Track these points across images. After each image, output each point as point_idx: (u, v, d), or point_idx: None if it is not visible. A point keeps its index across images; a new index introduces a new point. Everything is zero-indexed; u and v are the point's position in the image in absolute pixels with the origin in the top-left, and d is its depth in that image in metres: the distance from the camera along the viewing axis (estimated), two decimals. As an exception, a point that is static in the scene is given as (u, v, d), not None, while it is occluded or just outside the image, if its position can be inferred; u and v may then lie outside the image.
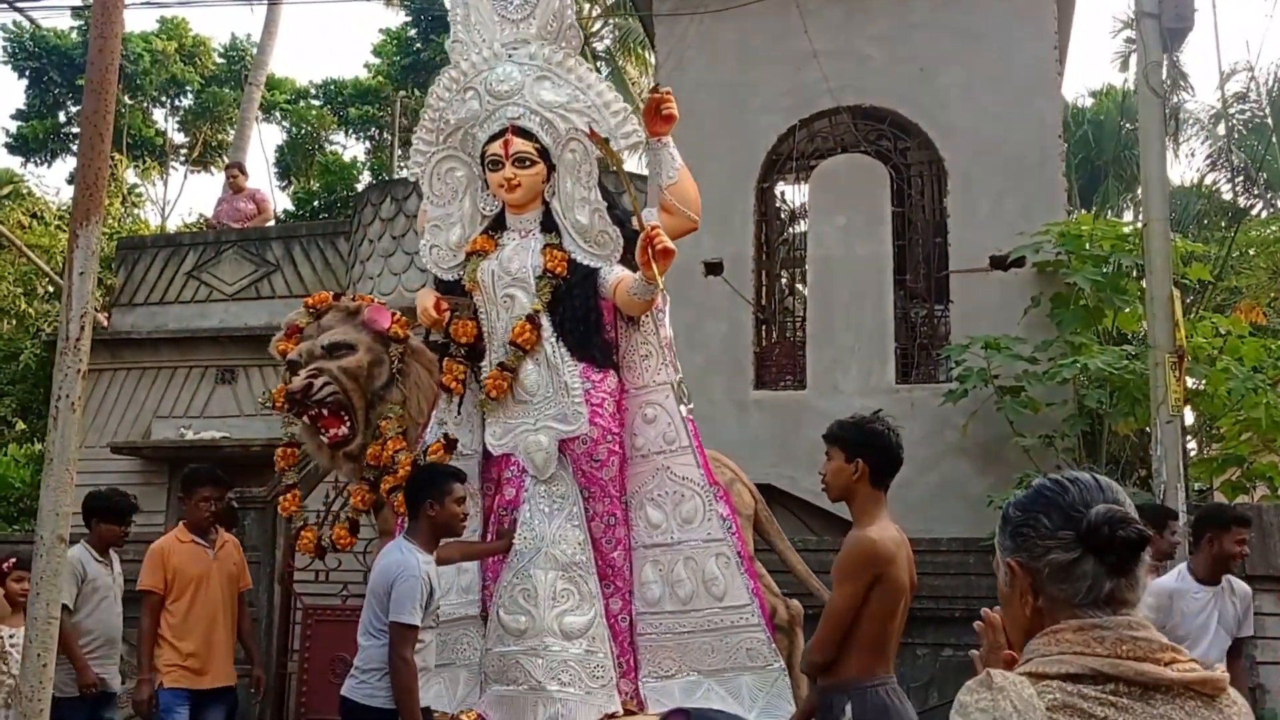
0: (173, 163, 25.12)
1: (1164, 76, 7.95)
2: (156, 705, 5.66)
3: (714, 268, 9.58)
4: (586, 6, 21.38)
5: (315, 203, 20.49)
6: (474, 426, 5.31)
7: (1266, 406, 7.32)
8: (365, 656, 4.42)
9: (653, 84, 5.65)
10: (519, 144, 5.20)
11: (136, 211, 22.99)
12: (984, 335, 8.26)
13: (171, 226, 22.06)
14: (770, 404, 9.41)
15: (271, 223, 13.82)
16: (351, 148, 24.17)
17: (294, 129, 23.77)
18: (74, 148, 22.46)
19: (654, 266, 4.62)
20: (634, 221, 4.94)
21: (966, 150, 9.27)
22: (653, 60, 12.67)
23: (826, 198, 9.63)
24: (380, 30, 24.19)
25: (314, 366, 5.26)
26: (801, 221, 11.09)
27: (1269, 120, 22.85)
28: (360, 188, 17.77)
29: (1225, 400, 7.72)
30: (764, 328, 10.29)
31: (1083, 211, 18.87)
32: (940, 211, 9.59)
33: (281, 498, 5.60)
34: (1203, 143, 25.40)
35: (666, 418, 5.18)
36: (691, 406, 5.03)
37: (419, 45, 21.80)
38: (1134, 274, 8.26)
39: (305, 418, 5.29)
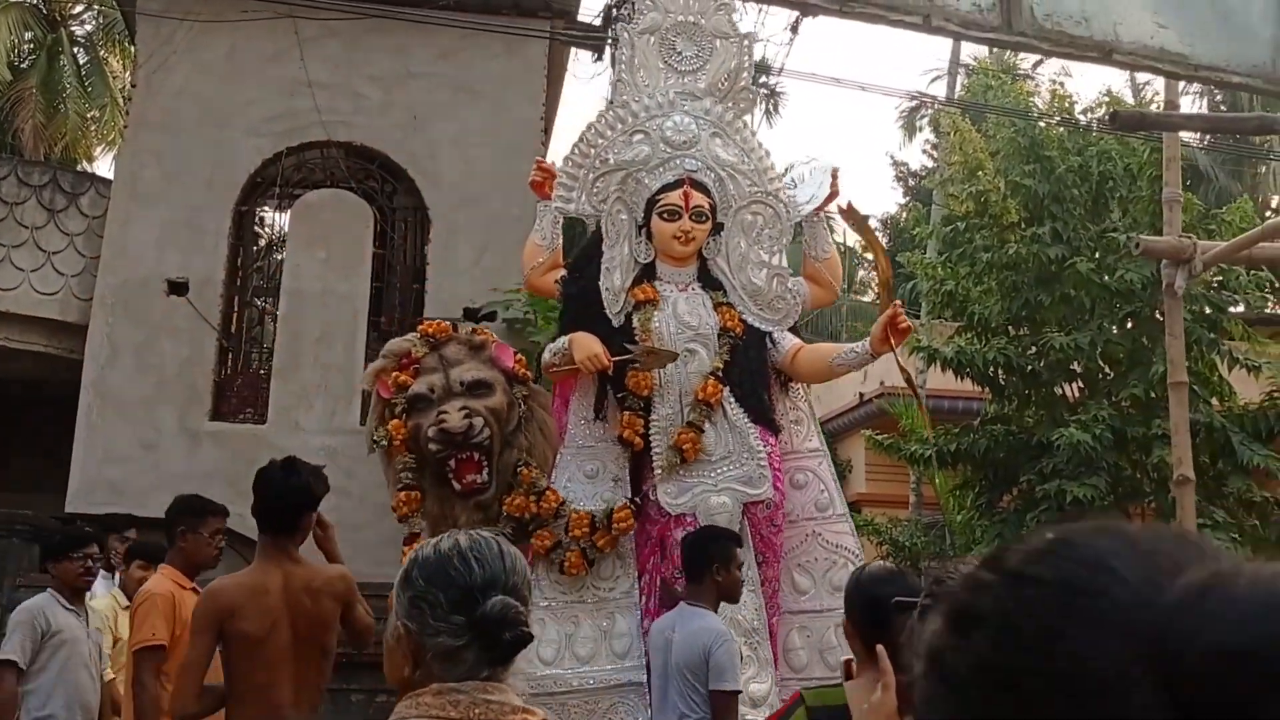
0: None
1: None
2: None
3: (178, 287, 9.01)
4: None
5: None
6: (619, 480, 5.03)
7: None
8: None
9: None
10: (698, 198, 5.07)
11: None
12: (450, 384, 8.45)
13: None
14: (226, 436, 8.94)
15: None
16: None
17: None
18: None
19: (891, 342, 4.68)
20: (882, 292, 4.86)
21: (451, 201, 9.50)
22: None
23: (307, 229, 9.42)
24: None
25: (465, 406, 4.73)
26: (280, 250, 10.77)
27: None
28: None
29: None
30: (228, 356, 9.80)
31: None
32: (421, 258, 9.72)
33: (405, 549, 4.77)
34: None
35: (819, 484, 5.18)
36: None
37: None
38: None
39: (452, 462, 4.76)
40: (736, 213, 5.19)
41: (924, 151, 28.20)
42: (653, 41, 5.34)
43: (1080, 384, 11.04)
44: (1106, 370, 10.93)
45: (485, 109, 9.68)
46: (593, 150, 5.27)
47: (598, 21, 8.98)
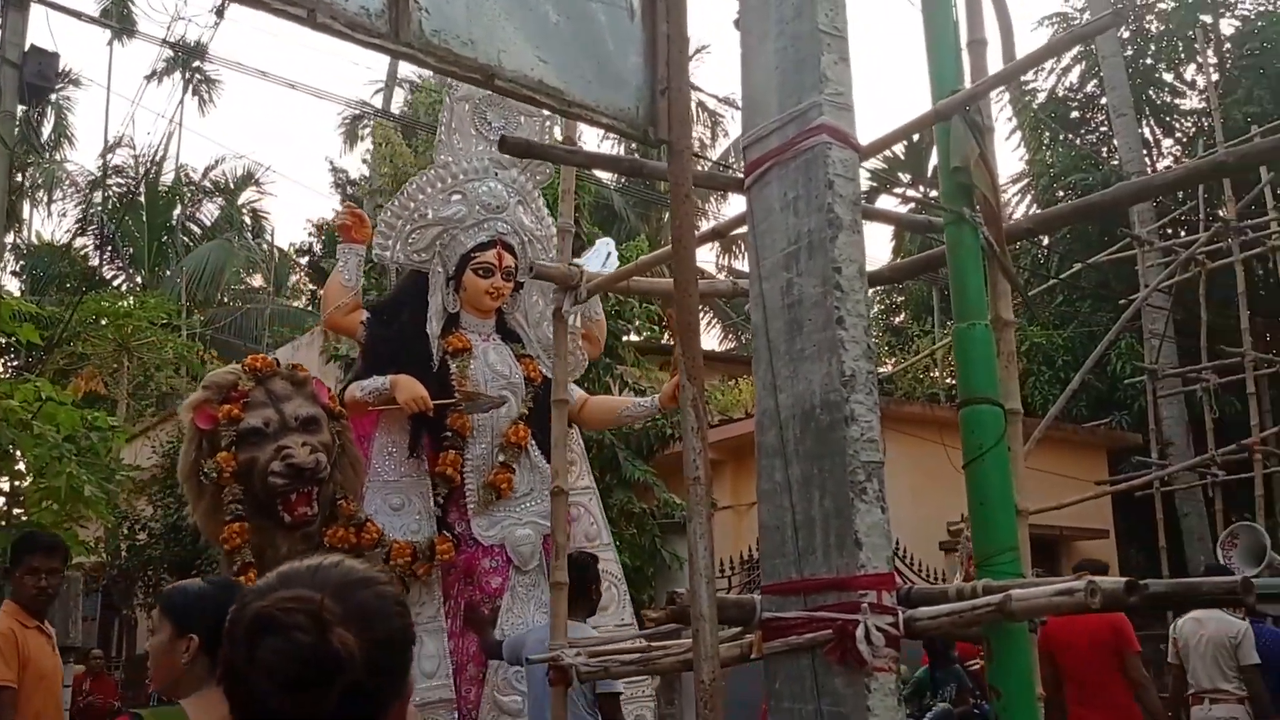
0: None
1: (16, 128, 7.71)
2: None
3: None
4: None
5: None
6: (423, 513, 5.42)
7: (68, 476, 7.35)
8: None
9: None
10: (508, 258, 5.62)
11: None
12: None
13: None
14: None
15: None
16: None
17: None
18: None
19: (678, 401, 4.64)
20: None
21: None
22: None
23: None
24: None
25: (306, 442, 4.97)
26: None
27: (141, 197, 23.90)
28: None
29: (31, 466, 7.58)
30: None
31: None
32: None
33: (237, 580, 4.65)
34: (76, 206, 25.53)
35: (589, 517, 5.81)
36: None
37: None
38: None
39: (293, 496, 4.91)
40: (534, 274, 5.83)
41: (364, 160, 28.22)
42: (467, 109, 5.83)
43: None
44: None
45: None
46: (412, 204, 5.74)
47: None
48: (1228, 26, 21.01)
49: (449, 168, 5.82)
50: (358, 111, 24.31)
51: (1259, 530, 10.69)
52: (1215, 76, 17.91)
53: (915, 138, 24.36)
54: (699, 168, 10.08)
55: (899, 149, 27.33)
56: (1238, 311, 12.66)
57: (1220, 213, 13.03)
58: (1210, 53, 18.93)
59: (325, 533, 5.12)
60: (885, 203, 27.47)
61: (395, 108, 24.68)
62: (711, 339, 25.80)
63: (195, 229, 27.81)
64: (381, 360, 5.60)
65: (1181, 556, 15.17)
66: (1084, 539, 15.12)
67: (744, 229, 2.88)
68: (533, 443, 5.65)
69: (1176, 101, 21.83)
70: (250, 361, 5.31)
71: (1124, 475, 14.55)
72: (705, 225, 4.55)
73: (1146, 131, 21.01)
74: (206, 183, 28.74)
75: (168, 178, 26.23)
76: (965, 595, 2.50)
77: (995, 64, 3.34)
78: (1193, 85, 21.32)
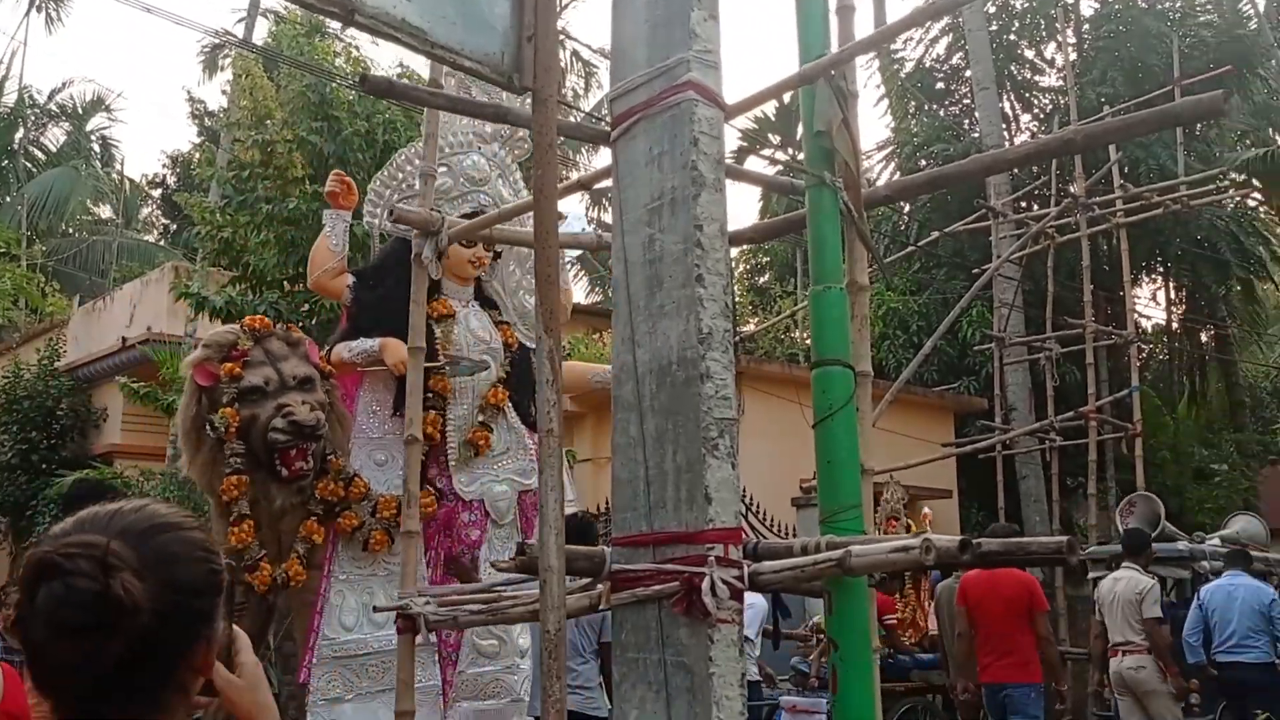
0: None
1: None
2: None
3: None
4: None
5: None
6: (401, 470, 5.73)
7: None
8: (585, 677, 5.87)
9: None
10: None
11: None
12: None
13: None
14: None
15: None
16: None
17: None
18: None
19: None
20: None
21: None
22: None
23: None
24: None
25: (305, 400, 5.21)
26: None
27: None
28: None
29: None
30: None
31: None
32: None
33: (233, 529, 5.18)
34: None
35: None
36: None
37: None
38: None
39: (292, 452, 5.14)
40: (513, 245, 5.81)
41: (223, 92, 27.18)
42: (453, 83, 5.87)
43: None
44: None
45: None
46: (400, 175, 5.97)
47: None
48: (1087, 8, 21.77)
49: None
50: (218, 40, 23.36)
51: (1154, 500, 11.37)
52: (1073, 56, 18.55)
53: (786, 99, 24.62)
54: (569, 118, 10.02)
55: (769, 110, 27.60)
56: (1081, 285, 13.21)
57: (1071, 189, 13.55)
58: (1070, 32, 19.58)
59: (316, 486, 5.36)
60: (754, 164, 27.74)
61: (258, 39, 23.77)
62: (578, 292, 25.77)
63: (39, 154, 26.42)
64: (367, 323, 5.82)
65: (1019, 516, 15.87)
66: (930, 498, 15.69)
67: (609, 182, 2.87)
68: (509, 405, 5.95)
69: (1036, 78, 22.55)
70: (249, 322, 5.54)
71: (969, 438, 15.12)
72: (574, 176, 4.52)
73: (1007, 106, 21.66)
74: (52, 106, 27.27)
75: (10, 98, 24.85)
76: (809, 550, 2.56)
77: (865, 30, 3.39)
78: (1052, 63, 22.06)
